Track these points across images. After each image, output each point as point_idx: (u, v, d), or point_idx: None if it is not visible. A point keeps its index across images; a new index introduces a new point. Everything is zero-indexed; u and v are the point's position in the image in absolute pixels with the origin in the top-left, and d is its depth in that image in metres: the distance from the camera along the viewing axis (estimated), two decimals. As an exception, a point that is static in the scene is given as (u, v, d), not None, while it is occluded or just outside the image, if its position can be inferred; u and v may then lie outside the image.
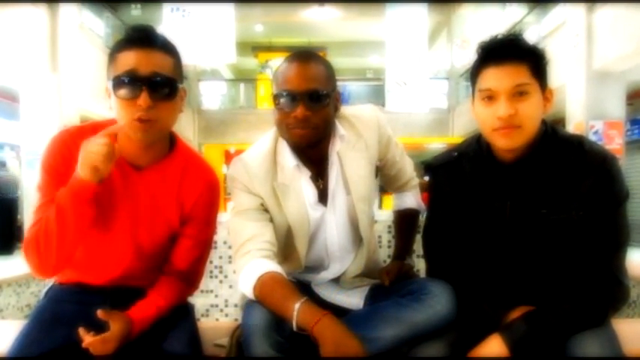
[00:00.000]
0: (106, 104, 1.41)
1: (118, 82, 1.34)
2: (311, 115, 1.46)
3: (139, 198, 1.47)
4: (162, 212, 1.50)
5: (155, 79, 1.34)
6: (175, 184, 1.50)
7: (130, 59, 1.34)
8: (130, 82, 1.33)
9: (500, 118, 1.36)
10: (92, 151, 1.26)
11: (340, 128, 1.58)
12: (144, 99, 1.32)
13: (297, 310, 1.32)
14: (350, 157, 1.60)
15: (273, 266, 1.47)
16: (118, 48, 1.37)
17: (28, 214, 7.53)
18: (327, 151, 1.59)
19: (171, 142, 1.52)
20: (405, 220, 1.87)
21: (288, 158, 1.56)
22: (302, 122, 1.46)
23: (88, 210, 1.32)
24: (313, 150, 1.56)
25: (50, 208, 1.33)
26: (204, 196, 1.54)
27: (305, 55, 1.55)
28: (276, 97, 1.50)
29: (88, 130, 1.44)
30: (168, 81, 1.37)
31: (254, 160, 1.58)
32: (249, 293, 1.45)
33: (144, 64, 1.33)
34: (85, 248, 1.48)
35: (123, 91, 1.33)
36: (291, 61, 1.52)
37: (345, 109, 1.64)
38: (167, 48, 1.40)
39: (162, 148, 1.49)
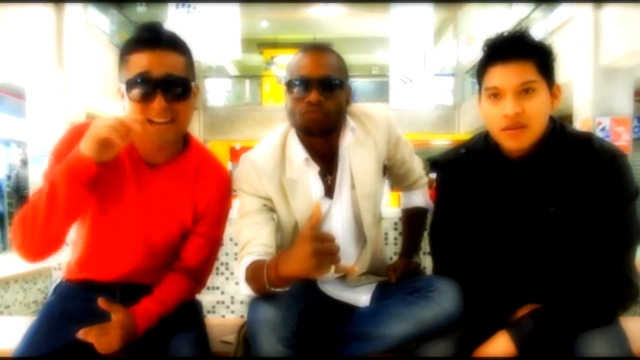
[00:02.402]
0: (118, 104, 1.40)
1: (131, 85, 1.32)
2: (324, 100, 1.48)
3: (153, 195, 1.47)
4: (176, 210, 1.50)
5: (168, 80, 1.33)
6: (189, 182, 1.50)
7: (141, 61, 1.32)
8: (143, 84, 1.31)
9: (506, 117, 1.35)
10: (105, 124, 1.21)
11: (351, 121, 1.58)
12: (158, 101, 1.31)
13: (265, 270, 1.35)
14: (358, 154, 1.60)
15: (260, 257, 1.48)
16: (128, 49, 1.35)
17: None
18: (336, 146, 1.59)
19: (185, 140, 1.52)
20: (412, 219, 1.87)
21: (297, 152, 1.56)
22: (315, 106, 1.47)
23: (82, 192, 1.27)
24: (323, 141, 1.56)
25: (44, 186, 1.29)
26: (218, 196, 1.54)
27: (319, 46, 1.59)
28: (289, 84, 1.51)
29: None
30: (181, 81, 1.36)
31: (262, 155, 1.59)
32: (246, 290, 1.46)
33: (156, 66, 1.32)
34: (95, 244, 1.48)
35: (136, 94, 1.32)
36: (306, 50, 1.55)
37: (356, 106, 1.64)
38: (178, 47, 1.38)
39: (176, 146, 1.49)
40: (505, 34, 1.40)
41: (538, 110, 1.36)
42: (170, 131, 1.36)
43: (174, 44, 1.37)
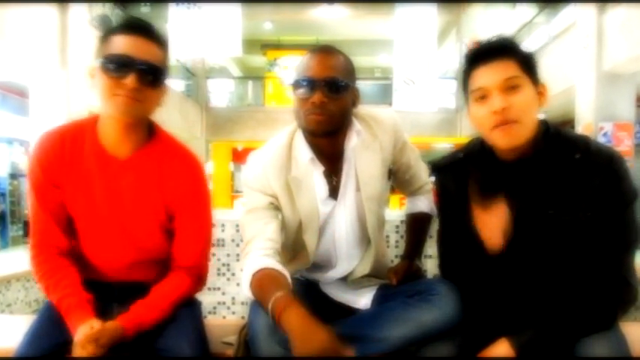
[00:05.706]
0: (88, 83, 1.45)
1: (110, 61, 1.38)
2: (328, 102, 1.48)
3: (122, 188, 1.48)
4: (147, 202, 1.50)
5: (146, 64, 1.39)
6: (156, 172, 1.51)
7: (126, 43, 1.40)
8: (123, 63, 1.37)
9: (495, 112, 1.35)
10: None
11: (357, 124, 1.59)
12: (131, 80, 1.37)
13: (272, 301, 1.31)
14: (364, 156, 1.61)
15: (269, 262, 1.46)
16: (114, 31, 1.42)
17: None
18: (342, 147, 1.60)
19: (151, 131, 1.54)
20: (416, 223, 1.87)
21: (303, 151, 1.58)
22: (319, 108, 1.48)
23: None
24: (328, 142, 1.57)
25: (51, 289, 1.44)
26: (189, 185, 1.54)
27: (327, 48, 1.59)
28: (295, 84, 1.52)
29: (70, 130, 1.49)
30: (157, 70, 1.42)
31: (269, 153, 1.60)
32: (248, 292, 1.45)
33: (137, 51, 1.39)
34: (84, 244, 1.50)
35: (113, 70, 1.38)
36: (313, 51, 1.56)
37: (363, 110, 1.65)
38: (161, 42, 1.46)
39: (141, 136, 1.51)
40: (485, 40, 1.43)
41: (525, 105, 1.36)
42: (135, 106, 1.41)
43: (159, 38, 1.46)
